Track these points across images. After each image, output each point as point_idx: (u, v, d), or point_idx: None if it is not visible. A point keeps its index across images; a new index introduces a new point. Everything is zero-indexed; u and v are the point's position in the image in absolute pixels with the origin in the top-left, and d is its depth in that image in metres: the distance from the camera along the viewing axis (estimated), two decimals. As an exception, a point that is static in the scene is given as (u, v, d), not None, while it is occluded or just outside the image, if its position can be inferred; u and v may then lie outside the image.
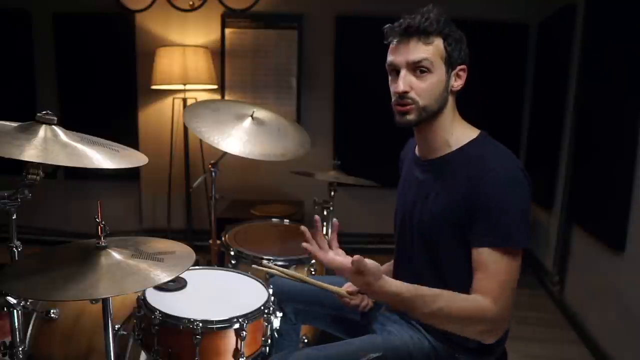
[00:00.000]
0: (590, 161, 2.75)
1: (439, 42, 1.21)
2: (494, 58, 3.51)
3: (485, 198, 1.14)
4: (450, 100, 1.27)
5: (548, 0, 3.37)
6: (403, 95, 1.21)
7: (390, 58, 1.25)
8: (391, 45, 1.26)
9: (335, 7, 3.68)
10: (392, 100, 1.26)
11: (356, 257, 1.09)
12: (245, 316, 1.35)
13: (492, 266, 1.13)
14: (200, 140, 3.04)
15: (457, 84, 1.26)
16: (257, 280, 1.62)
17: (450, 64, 1.23)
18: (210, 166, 2.15)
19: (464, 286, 1.19)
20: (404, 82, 1.21)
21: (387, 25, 1.25)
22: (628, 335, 2.23)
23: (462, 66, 1.25)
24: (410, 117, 1.23)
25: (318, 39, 3.73)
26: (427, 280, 1.28)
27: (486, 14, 3.53)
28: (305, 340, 1.93)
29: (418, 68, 1.20)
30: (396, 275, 1.42)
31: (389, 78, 1.28)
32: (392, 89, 1.26)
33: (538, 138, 3.58)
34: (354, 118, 3.78)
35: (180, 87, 3.49)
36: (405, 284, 1.13)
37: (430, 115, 1.24)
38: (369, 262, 1.09)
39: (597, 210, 2.62)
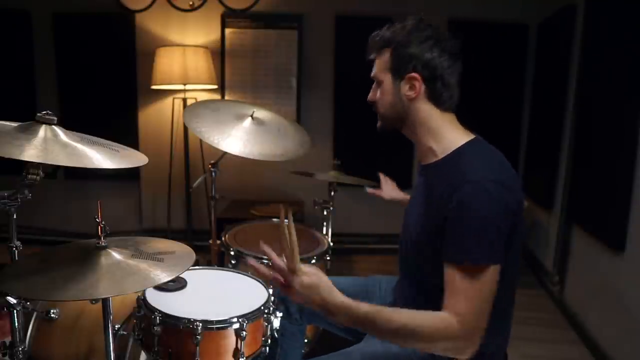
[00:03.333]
0: (590, 161, 2.75)
1: (386, 53, 1.27)
2: (494, 58, 3.52)
3: (453, 212, 1.10)
4: (419, 109, 1.25)
5: (548, 1, 3.37)
6: (372, 104, 1.36)
7: None
8: None
9: (335, 7, 3.68)
10: None
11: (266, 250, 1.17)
12: (245, 316, 1.35)
13: (458, 283, 1.08)
14: (200, 140, 3.04)
15: (410, 93, 1.24)
16: (257, 280, 1.61)
17: (395, 73, 1.26)
18: (210, 166, 2.16)
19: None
20: (371, 93, 1.36)
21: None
22: (628, 335, 2.23)
23: (412, 74, 1.22)
24: (378, 124, 1.37)
25: (318, 39, 3.74)
26: (421, 285, 1.29)
27: (486, 14, 3.53)
28: (306, 340, 1.93)
29: (375, 81, 1.33)
30: (399, 281, 1.43)
31: None
32: None
33: (538, 138, 3.58)
34: (354, 118, 3.76)
35: (180, 87, 3.49)
36: (358, 301, 1.09)
37: (392, 123, 1.32)
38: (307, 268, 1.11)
39: (597, 210, 2.62)
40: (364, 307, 1.08)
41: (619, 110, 2.42)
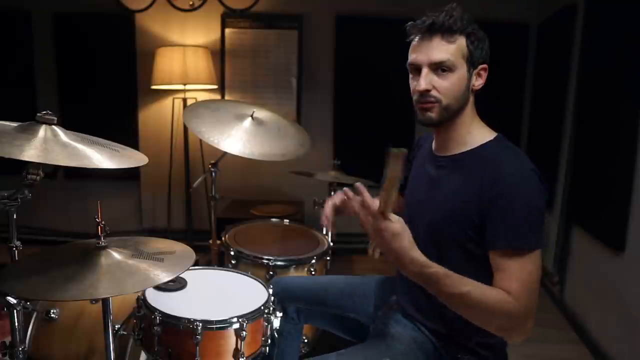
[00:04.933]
0: (590, 161, 2.75)
1: (461, 41, 1.21)
2: (494, 58, 3.50)
3: (501, 200, 1.14)
4: (471, 100, 1.27)
5: (548, 1, 3.37)
6: (425, 93, 1.22)
7: (412, 57, 1.25)
8: (413, 43, 1.25)
9: (335, 7, 3.68)
10: (414, 98, 1.26)
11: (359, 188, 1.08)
12: (245, 316, 1.35)
13: (512, 267, 1.12)
14: (200, 140, 3.04)
15: (478, 83, 1.26)
16: (257, 280, 1.62)
17: (472, 63, 1.22)
18: (210, 166, 2.16)
19: None
20: (425, 80, 1.21)
21: (409, 23, 1.25)
22: (628, 335, 2.23)
23: (484, 65, 1.25)
24: (433, 114, 1.23)
25: (318, 39, 3.73)
26: None
27: (486, 14, 3.49)
28: (305, 340, 1.94)
29: (440, 67, 1.20)
30: (402, 273, 1.42)
31: (410, 76, 1.28)
32: (412, 87, 1.26)
33: (538, 138, 3.58)
34: (354, 118, 3.78)
35: (180, 87, 3.48)
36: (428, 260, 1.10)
37: (452, 114, 1.24)
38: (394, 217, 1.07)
39: (597, 210, 2.62)
40: (435, 266, 1.09)
41: (619, 110, 2.42)
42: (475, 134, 1.27)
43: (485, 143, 1.25)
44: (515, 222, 1.13)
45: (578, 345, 2.62)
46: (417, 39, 1.24)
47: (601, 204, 2.55)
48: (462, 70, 1.21)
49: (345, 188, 1.28)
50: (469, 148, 1.26)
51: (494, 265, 1.15)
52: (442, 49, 1.19)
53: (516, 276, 1.11)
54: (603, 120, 2.61)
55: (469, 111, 1.27)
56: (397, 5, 3.17)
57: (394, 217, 1.08)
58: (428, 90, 1.21)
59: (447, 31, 1.19)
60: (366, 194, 1.09)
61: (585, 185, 2.79)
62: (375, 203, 1.08)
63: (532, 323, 1.12)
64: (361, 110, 3.73)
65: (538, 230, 1.13)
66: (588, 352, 2.54)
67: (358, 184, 1.12)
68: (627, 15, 2.38)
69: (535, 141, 3.62)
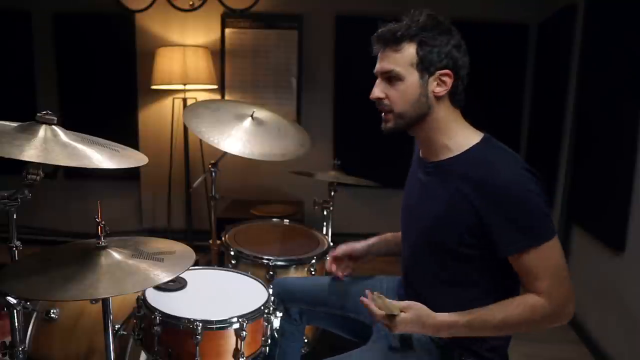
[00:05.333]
0: (590, 161, 2.75)
1: (410, 48, 1.20)
2: (494, 58, 3.51)
3: (501, 206, 1.13)
4: (440, 106, 1.24)
5: (548, 1, 3.37)
6: (378, 102, 1.27)
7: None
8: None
9: (335, 7, 3.68)
10: None
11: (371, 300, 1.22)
12: (245, 316, 1.35)
13: (537, 266, 1.13)
14: (200, 140, 3.04)
15: (440, 89, 1.22)
16: (257, 280, 1.62)
17: (424, 69, 1.20)
18: (210, 166, 2.15)
19: (473, 285, 1.22)
20: (377, 89, 1.26)
21: (373, 36, 1.28)
22: (628, 335, 2.23)
23: (444, 71, 1.21)
24: (389, 124, 1.27)
25: (318, 39, 3.73)
26: (436, 280, 1.28)
27: (486, 14, 3.53)
28: (306, 340, 1.93)
29: (389, 77, 1.23)
30: (406, 275, 1.43)
31: None
32: None
33: (538, 138, 3.58)
34: (354, 118, 3.77)
35: (180, 87, 3.48)
36: (453, 314, 1.18)
37: (410, 122, 1.25)
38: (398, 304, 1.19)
39: (597, 210, 2.61)
40: (460, 320, 1.16)
41: (619, 110, 2.42)
42: (459, 139, 1.25)
43: (472, 147, 1.23)
44: (522, 223, 1.13)
45: (578, 345, 2.62)
46: (376, 50, 1.28)
47: (601, 204, 2.55)
48: (411, 78, 1.21)
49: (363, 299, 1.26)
50: (454, 154, 1.24)
51: (518, 269, 1.17)
52: (389, 59, 1.22)
53: (541, 274, 1.13)
54: (603, 120, 2.61)
55: (441, 118, 1.24)
56: (397, 5, 3.16)
57: (400, 306, 1.18)
58: (380, 98, 1.26)
59: (391, 41, 1.22)
60: (372, 307, 1.20)
61: (585, 185, 2.79)
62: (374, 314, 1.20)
63: (573, 306, 1.16)
64: (361, 110, 3.68)
65: (546, 221, 1.15)
66: (588, 352, 2.54)
67: (363, 299, 1.24)
68: (627, 15, 2.38)
69: (535, 141, 3.62)
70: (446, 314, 1.17)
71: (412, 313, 1.17)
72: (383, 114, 1.28)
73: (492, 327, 1.15)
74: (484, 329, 1.16)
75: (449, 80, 1.22)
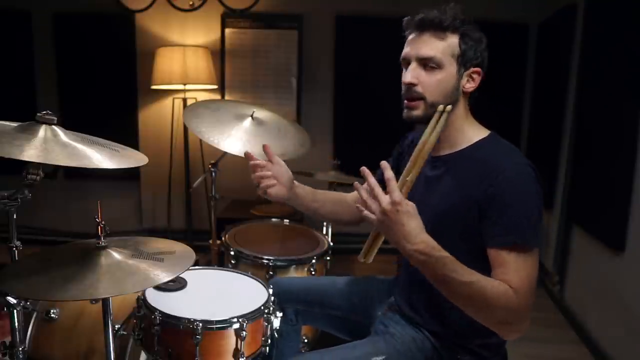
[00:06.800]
0: (590, 161, 2.75)
1: (453, 39, 1.20)
2: (494, 58, 3.49)
3: (499, 197, 1.13)
4: (462, 102, 1.26)
5: (548, 0, 3.37)
6: (410, 87, 1.22)
7: (404, 51, 1.25)
8: (407, 38, 1.26)
9: (335, 7, 3.68)
10: (402, 93, 1.26)
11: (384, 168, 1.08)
12: (245, 316, 1.35)
13: (511, 263, 1.11)
14: (200, 140, 3.04)
15: (469, 85, 1.24)
16: (257, 280, 1.62)
17: (462, 63, 1.21)
18: (210, 166, 2.16)
19: None
20: (411, 74, 1.22)
21: (405, 18, 1.25)
22: (628, 335, 2.23)
23: (477, 69, 1.24)
24: (417, 112, 1.23)
25: (318, 39, 3.73)
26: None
27: (486, 14, 3.49)
28: (305, 341, 1.93)
29: (427, 63, 1.21)
30: (405, 272, 1.42)
31: (403, 70, 1.27)
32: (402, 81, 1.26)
33: (538, 138, 3.58)
34: (354, 118, 3.78)
35: (180, 87, 3.48)
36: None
37: (434, 112, 1.23)
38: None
39: (597, 210, 2.62)
40: (442, 251, 1.07)
41: (619, 110, 2.42)
42: (468, 133, 1.27)
43: (479, 141, 1.25)
44: (514, 218, 1.12)
45: (578, 345, 2.62)
46: (410, 34, 1.25)
47: (601, 204, 2.55)
48: (450, 68, 1.21)
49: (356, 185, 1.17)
50: (461, 147, 1.26)
51: (493, 261, 1.14)
52: (432, 45, 1.20)
53: (516, 271, 1.10)
54: (603, 120, 2.61)
55: (461, 113, 1.26)
56: (397, 5, 3.16)
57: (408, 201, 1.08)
58: (413, 84, 1.21)
59: (437, 28, 1.20)
60: (371, 178, 1.08)
61: (585, 185, 2.79)
62: (391, 177, 1.07)
63: (528, 322, 1.12)
64: (361, 110, 3.72)
65: (536, 227, 1.13)
66: (588, 352, 2.54)
67: (363, 168, 1.11)
68: (627, 15, 2.38)
69: (535, 141, 3.62)
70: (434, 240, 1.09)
71: (415, 209, 1.07)
72: (408, 101, 1.24)
73: (459, 282, 1.06)
74: (455, 274, 1.06)
75: (477, 78, 1.24)
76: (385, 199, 1.06)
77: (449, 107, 1.16)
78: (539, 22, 3.57)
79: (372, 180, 1.08)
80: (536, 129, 3.63)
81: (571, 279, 2.96)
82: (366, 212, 1.10)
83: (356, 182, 1.13)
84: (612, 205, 2.39)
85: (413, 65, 1.22)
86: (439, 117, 1.17)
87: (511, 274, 1.10)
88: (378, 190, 1.07)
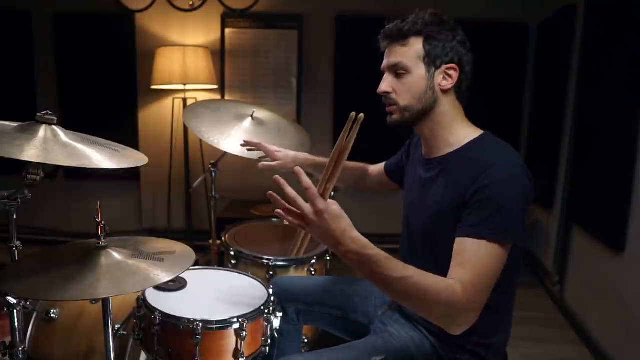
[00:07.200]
0: (590, 161, 2.75)
1: (416, 42, 1.23)
2: (494, 58, 3.51)
3: (482, 192, 1.13)
4: (446, 100, 1.26)
5: (548, 0, 3.37)
6: (384, 95, 1.29)
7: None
8: None
9: (335, 7, 3.68)
10: None
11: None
12: (245, 316, 1.35)
13: (471, 256, 1.09)
14: (200, 140, 3.04)
15: (446, 83, 1.25)
16: (257, 280, 1.62)
17: (430, 62, 1.23)
18: (210, 166, 2.16)
19: None
20: (384, 83, 1.29)
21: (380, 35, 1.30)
22: (628, 335, 2.23)
23: (451, 65, 1.24)
24: (395, 117, 1.29)
25: (318, 39, 3.73)
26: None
27: (486, 14, 3.53)
28: (306, 340, 1.93)
29: (396, 70, 1.26)
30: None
31: None
32: None
33: (538, 138, 3.58)
34: (354, 118, 3.77)
35: (180, 87, 3.49)
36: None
37: (416, 115, 1.27)
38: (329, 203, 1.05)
39: (597, 210, 2.62)
40: (377, 249, 1.05)
41: (619, 110, 2.42)
42: (459, 134, 1.27)
43: (471, 141, 1.25)
44: (485, 211, 1.11)
45: (578, 345, 2.62)
46: (383, 48, 1.31)
47: (601, 204, 2.55)
48: (418, 71, 1.24)
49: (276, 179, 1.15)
50: (454, 149, 1.27)
51: (455, 254, 1.12)
52: (396, 53, 1.25)
53: (470, 266, 1.08)
54: (603, 120, 2.61)
55: (445, 112, 1.27)
56: (397, 6, 3.16)
57: (331, 201, 1.07)
58: (387, 92, 1.28)
59: (398, 36, 1.25)
60: (304, 177, 1.06)
61: (585, 185, 2.79)
62: (309, 185, 1.05)
63: (475, 317, 1.08)
64: (361, 110, 3.71)
65: (514, 222, 1.11)
66: (588, 352, 2.54)
67: (297, 168, 1.09)
68: (627, 15, 2.38)
69: (535, 141, 3.62)
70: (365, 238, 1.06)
71: (339, 209, 1.05)
72: (387, 107, 1.30)
73: (396, 277, 1.03)
74: (389, 271, 1.03)
75: (454, 74, 1.25)
76: (308, 209, 1.05)
77: (361, 116, 1.19)
78: (539, 22, 3.57)
79: (289, 190, 1.08)
80: (536, 129, 3.63)
81: (571, 279, 2.96)
82: (289, 219, 1.10)
83: (270, 192, 1.12)
84: (612, 205, 2.39)
85: (385, 75, 1.29)
86: (351, 124, 1.21)
87: (466, 267, 1.08)
88: (300, 202, 1.07)
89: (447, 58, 1.23)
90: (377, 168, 1.77)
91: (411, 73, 1.24)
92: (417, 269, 1.06)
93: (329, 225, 1.04)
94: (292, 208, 1.09)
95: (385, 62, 1.29)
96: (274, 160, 1.74)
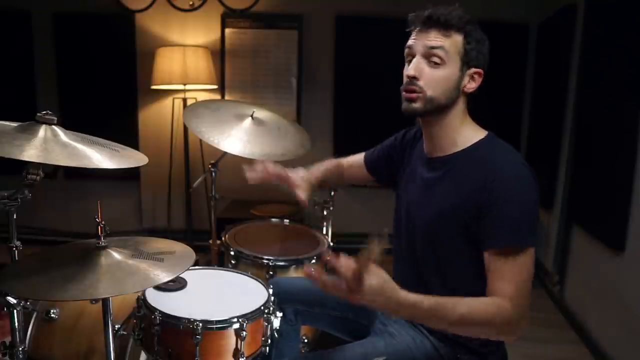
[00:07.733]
0: (590, 161, 2.75)
1: (458, 37, 1.21)
2: (494, 58, 3.49)
3: (496, 199, 1.14)
4: (461, 102, 1.26)
5: (548, 0, 3.37)
6: (412, 80, 1.22)
7: (408, 43, 1.25)
8: (411, 33, 1.26)
9: (335, 7, 3.68)
10: (402, 86, 1.25)
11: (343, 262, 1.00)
12: (245, 316, 1.35)
13: (506, 267, 1.12)
14: (200, 140, 3.04)
15: (470, 86, 1.25)
16: (257, 280, 1.61)
17: (466, 62, 1.22)
18: (210, 166, 2.15)
19: (466, 286, 1.20)
20: (415, 67, 1.21)
21: (412, 13, 1.25)
22: (628, 335, 2.23)
23: (478, 70, 1.24)
24: (416, 105, 1.22)
25: (318, 39, 3.73)
26: (429, 280, 1.28)
27: (486, 14, 3.50)
28: (305, 341, 1.93)
29: (432, 57, 1.20)
30: (396, 275, 1.42)
31: (406, 65, 1.26)
32: (404, 74, 1.26)
33: (538, 138, 3.58)
34: (354, 118, 3.78)
35: (180, 87, 3.49)
36: (418, 295, 1.06)
37: (436, 109, 1.23)
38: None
39: (597, 210, 2.62)
40: (426, 301, 1.06)
41: (619, 110, 2.42)
42: (465, 134, 1.27)
43: (477, 142, 1.25)
44: (510, 220, 1.13)
45: (578, 345, 2.62)
46: (415, 29, 1.25)
47: (601, 204, 2.55)
48: (453, 66, 1.21)
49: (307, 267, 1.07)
50: (459, 149, 1.26)
51: (489, 266, 1.14)
52: (439, 38, 1.20)
53: (510, 278, 1.11)
54: (603, 120, 2.61)
55: (459, 113, 1.27)
56: (397, 5, 3.17)
57: (370, 275, 1.01)
58: (415, 77, 1.21)
59: (444, 25, 1.20)
60: (336, 263, 1.02)
61: (585, 185, 2.79)
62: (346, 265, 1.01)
63: (525, 321, 1.13)
64: (361, 110, 3.72)
65: (532, 228, 1.14)
66: (588, 352, 2.54)
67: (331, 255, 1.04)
68: (627, 15, 2.38)
69: (535, 141, 3.62)
70: (410, 293, 1.05)
71: (378, 282, 1.01)
72: (407, 92, 1.23)
73: (451, 321, 1.07)
74: (444, 318, 1.07)
75: (478, 79, 1.25)
76: (344, 294, 1.01)
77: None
78: (539, 22, 3.57)
79: (326, 279, 1.02)
80: (536, 129, 3.63)
81: (571, 279, 2.96)
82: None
83: (308, 266, 1.05)
84: (612, 205, 2.39)
85: (417, 58, 1.22)
86: (377, 243, 1.02)
87: (506, 281, 1.11)
88: (339, 285, 1.01)
89: (478, 62, 1.23)
90: (353, 161, 1.72)
91: (447, 65, 1.20)
92: (462, 300, 1.08)
93: (370, 299, 1.02)
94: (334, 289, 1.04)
95: (419, 45, 1.21)
96: (292, 187, 1.71)
